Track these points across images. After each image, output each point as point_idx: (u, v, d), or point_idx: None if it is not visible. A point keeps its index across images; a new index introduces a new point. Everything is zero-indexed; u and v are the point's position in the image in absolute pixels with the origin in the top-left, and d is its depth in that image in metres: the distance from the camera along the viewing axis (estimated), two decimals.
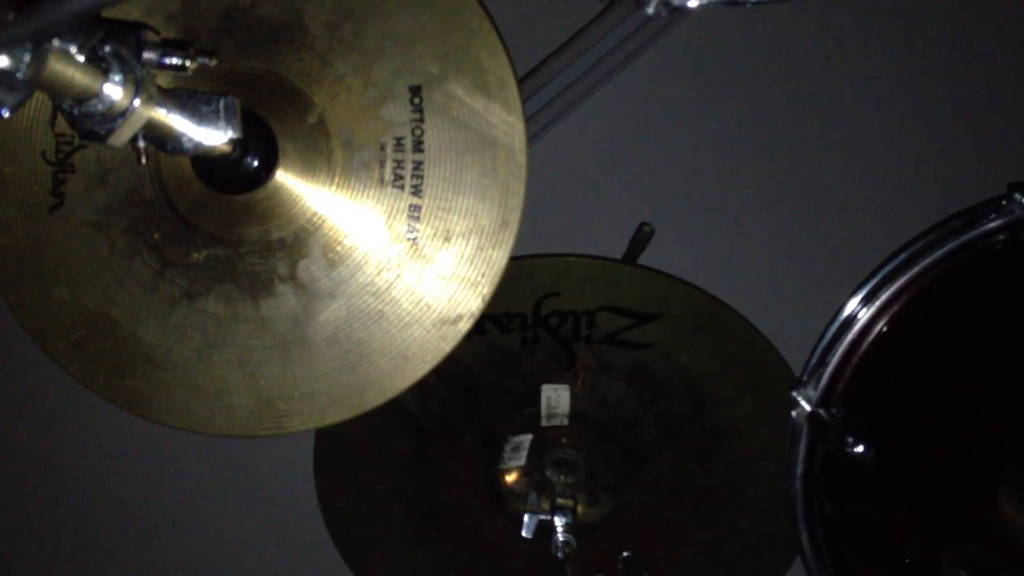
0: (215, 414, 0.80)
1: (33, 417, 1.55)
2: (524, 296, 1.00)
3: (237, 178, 0.74)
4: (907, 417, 0.92)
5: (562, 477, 1.10)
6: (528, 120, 0.77)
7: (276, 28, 0.76)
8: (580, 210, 1.45)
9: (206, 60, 0.65)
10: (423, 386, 0.78)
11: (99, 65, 0.56)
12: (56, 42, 0.52)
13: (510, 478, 1.14)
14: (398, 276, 0.77)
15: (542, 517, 1.06)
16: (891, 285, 0.86)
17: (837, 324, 0.89)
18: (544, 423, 1.09)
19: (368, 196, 0.76)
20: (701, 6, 0.79)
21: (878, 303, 0.87)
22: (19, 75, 0.50)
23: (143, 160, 0.65)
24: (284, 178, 0.75)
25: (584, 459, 1.11)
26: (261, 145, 0.74)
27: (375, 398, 0.79)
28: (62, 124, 0.76)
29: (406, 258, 0.76)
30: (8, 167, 0.78)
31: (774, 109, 1.43)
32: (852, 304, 0.88)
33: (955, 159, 1.42)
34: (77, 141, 0.78)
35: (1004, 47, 1.41)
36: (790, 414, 0.90)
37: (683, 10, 0.78)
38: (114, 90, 0.57)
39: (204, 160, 0.74)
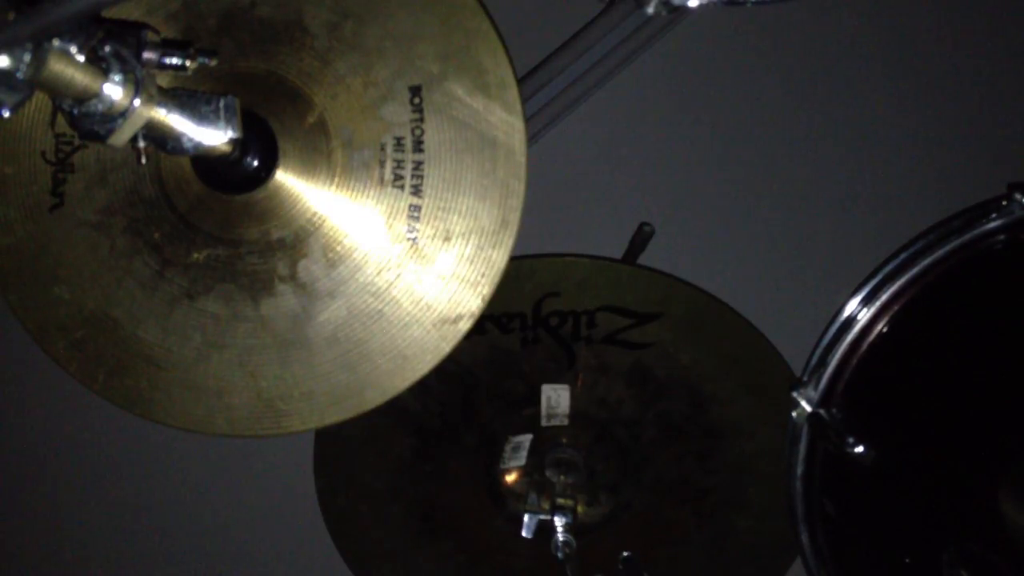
0: (215, 414, 0.80)
1: (33, 417, 1.55)
2: (524, 296, 1.00)
3: (237, 178, 0.74)
4: (907, 417, 0.92)
5: (562, 477, 1.10)
6: (528, 120, 0.77)
7: (276, 28, 0.76)
8: (580, 210, 1.45)
9: (206, 60, 0.65)
10: (423, 386, 0.78)
11: (99, 65, 0.56)
12: (56, 42, 0.52)
13: (510, 478, 1.14)
14: (398, 276, 0.77)
15: (542, 517, 1.06)
16: (891, 285, 0.86)
17: (837, 324, 0.88)
18: (544, 423, 1.09)
19: (368, 196, 0.76)
20: (701, 6, 0.79)
21: (878, 303, 0.86)
22: (19, 75, 0.50)
23: (143, 160, 0.65)
24: (284, 178, 0.75)
25: (584, 459, 1.11)
26: (261, 145, 0.74)
27: (375, 398, 0.79)
28: (62, 124, 0.76)
29: (406, 258, 0.76)
30: (8, 167, 0.78)
31: (774, 109, 1.43)
32: (852, 304, 0.88)
33: (955, 159, 1.42)
34: (77, 141, 0.78)
35: (1004, 47, 1.41)
36: (790, 414, 0.90)
37: (683, 10, 0.78)
38: (114, 90, 0.57)
39: (204, 160, 0.74)
